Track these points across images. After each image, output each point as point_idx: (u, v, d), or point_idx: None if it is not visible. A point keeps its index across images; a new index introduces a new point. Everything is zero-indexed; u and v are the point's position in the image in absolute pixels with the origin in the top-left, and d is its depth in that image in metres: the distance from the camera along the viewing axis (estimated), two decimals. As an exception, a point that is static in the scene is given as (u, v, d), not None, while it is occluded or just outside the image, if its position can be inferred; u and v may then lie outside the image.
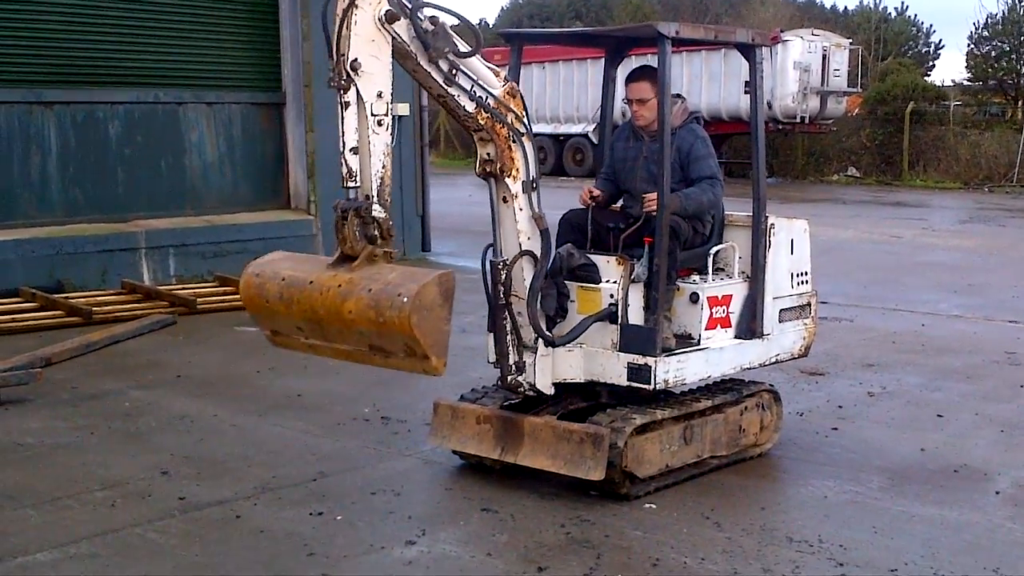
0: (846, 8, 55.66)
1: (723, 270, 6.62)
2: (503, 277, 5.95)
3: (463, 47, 5.51)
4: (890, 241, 18.03)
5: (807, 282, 6.99)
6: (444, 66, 5.46)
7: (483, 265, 6.10)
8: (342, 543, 5.44)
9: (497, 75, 5.77)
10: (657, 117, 6.21)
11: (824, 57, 30.08)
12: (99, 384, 8.46)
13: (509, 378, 6.12)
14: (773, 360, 6.85)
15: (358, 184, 5.12)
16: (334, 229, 5.15)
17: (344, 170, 5.12)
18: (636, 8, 47.27)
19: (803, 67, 29.42)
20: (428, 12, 5.34)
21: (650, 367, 6.02)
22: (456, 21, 5.60)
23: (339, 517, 5.78)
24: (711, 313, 6.40)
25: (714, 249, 6.50)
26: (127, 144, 12.84)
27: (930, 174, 31.75)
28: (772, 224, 6.65)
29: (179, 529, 5.63)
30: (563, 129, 33.53)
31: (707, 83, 30.45)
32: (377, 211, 5.09)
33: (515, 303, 6.00)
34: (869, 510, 6.00)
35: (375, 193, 5.11)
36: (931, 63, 46.62)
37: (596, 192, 6.58)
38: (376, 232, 5.09)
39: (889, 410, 7.98)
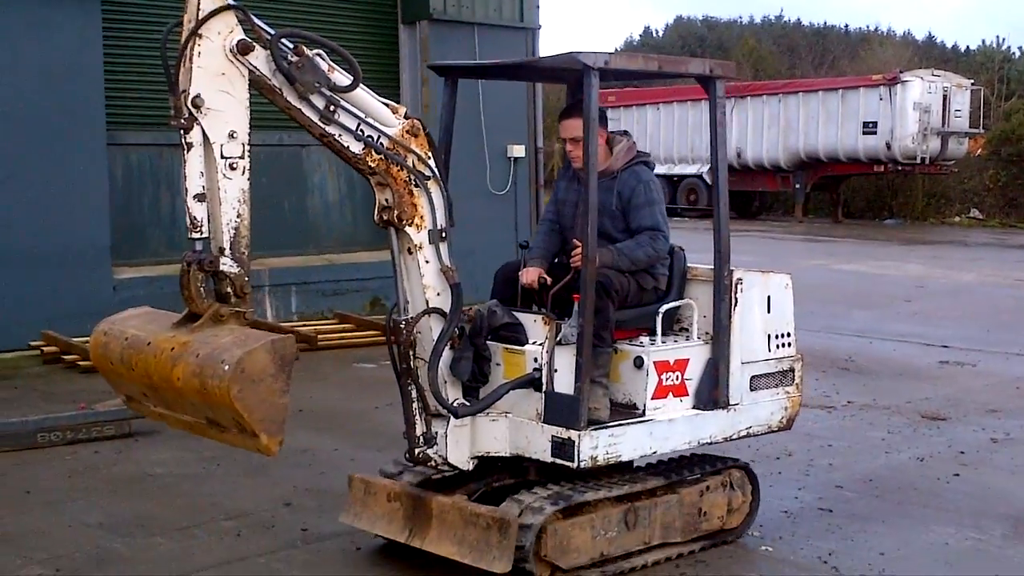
0: (968, 48, 54.72)
1: (686, 330, 5.89)
2: (405, 337, 5.30)
3: (342, 80, 4.87)
4: (1014, 285, 17.62)
5: (789, 344, 6.12)
6: (319, 102, 4.83)
7: (387, 324, 5.46)
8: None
9: (395, 111, 5.13)
10: (583, 158, 5.39)
11: (945, 98, 29.61)
12: (224, 417, 8.70)
13: (417, 451, 5.44)
14: (743, 433, 5.96)
15: (205, 235, 4.53)
16: (180, 285, 4.55)
17: (188, 219, 4.53)
18: (751, 50, 47.02)
19: (923, 108, 28.99)
20: (293, 42, 4.78)
21: (574, 442, 5.25)
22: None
23: (457, 552, 5.86)
24: (660, 380, 5.60)
25: (663, 307, 5.72)
26: (252, 185, 13.19)
27: (1056, 216, 31.00)
28: (739, 279, 5.84)
29: (302, 559, 5.79)
30: (677, 170, 33.48)
31: (824, 123, 30.21)
32: (227, 265, 4.53)
33: (421, 367, 5.35)
34: (992, 558, 5.91)
35: (228, 245, 4.54)
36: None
37: (541, 274, 5.78)
38: (229, 289, 4.53)
39: (1013, 457, 7.82)
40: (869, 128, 29.43)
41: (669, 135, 33.46)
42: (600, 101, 5.39)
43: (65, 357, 10.62)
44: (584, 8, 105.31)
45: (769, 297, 6.04)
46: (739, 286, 5.85)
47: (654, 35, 69.59)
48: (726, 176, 5.89)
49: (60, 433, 7.87)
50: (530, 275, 5.75)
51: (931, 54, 53.55)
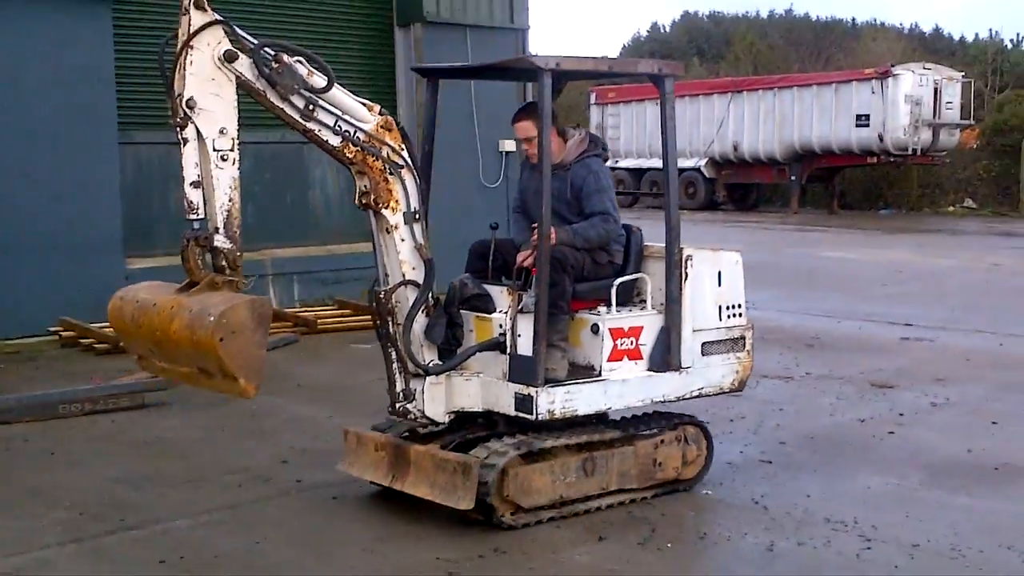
0: (976, 36, 55.20)
1: (644, 302, 6.59)
2: (384, 305, 6.12)
3: (319, 82, 5.62)
4: (989, 269, 18.34)
5: (740, 315, 6.84)
6: (299, 102, 5.58)
7: (369, 295, 6.30)
8: (435, 518, 6.29)
9: (371, 109, 5.90)
10: (537, 151, 6.22)
11: (936, 90, 30.26)
12: (229, 391, 9.48)
13: (397, 405, 6.28)
14: (695, 394, 6.69)
15: (200, 216, 5.31)
16: (181, 258, 5.36)
17: (184, 203, 5.30)
18: (751, 45, 47.70)
19: (914, 100, 29.65)
20: (274, 50, 5.53)
21: (533, 397, 6.03)
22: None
23: (431, 497, 6.64)
24: (615, 345, 6.35)
25: (618, 281, 6.45)
26: (256, 180, 13.96)
27: (1047, 205, 31.58)
28: (689, 256, 6.56)
29: (295, 505, 6.58)
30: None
31: (818, 117, 30.90)
32: (220, 242, 5.32)
33: (399, 332, 6.14)
34: (906, 499, 6.66)
35: (221, 225, 5.32)
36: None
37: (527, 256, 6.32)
38: (224, 262, 5.33)
39: (947, 418, 8.57)
40: (862, 121, 30.10)
41: (668, 130, 34.07)
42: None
43: (82, 341, 11.42)
44: (592, 5, 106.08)
45: (720, 272, 6.76)
46: (689, 262, 6.57)
47: (662, 31, 70.37)
48: (675, 165, 6.61)
49: (79, 404, 8.66)
50: (525, 257, 6.34)
51: (937, 46, 54.12)
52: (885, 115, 29.64)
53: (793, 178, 32.22)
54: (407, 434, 6.54)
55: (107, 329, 11.42)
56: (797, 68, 44.88)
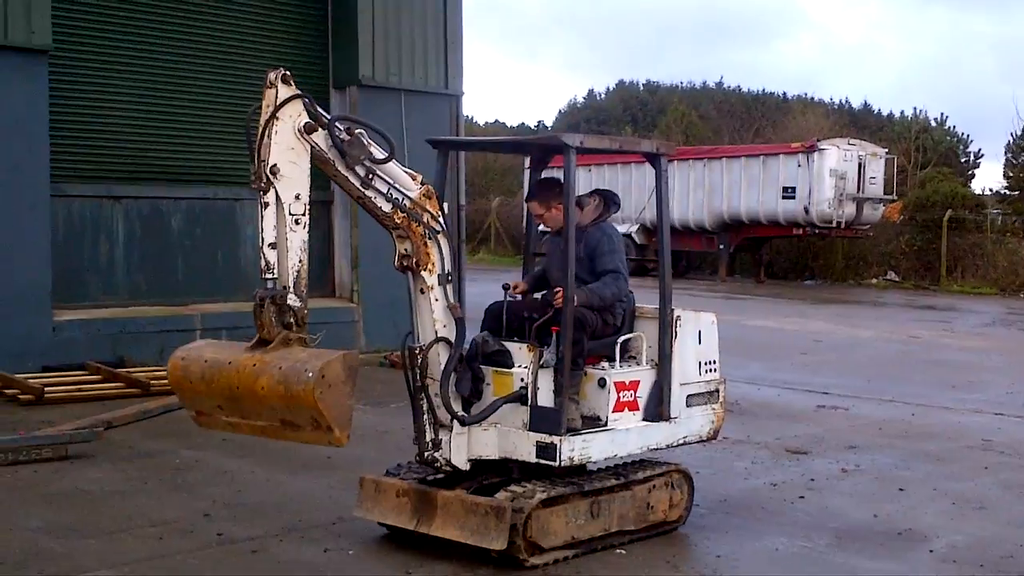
0: (891, 113, 56.60)
1: (634, 358, 7.13)
2: (419, 361, 6.50)
3: (379, 154, 6.14)
4: (906, 341, 18.82)
5: (715, 370, 7.48)
6: (361, 171, 6.07)
7: (402, 351, 6.63)
8: (351, 573, 6.41)
9: (414, 179, 6.39)
10: (563, 219, 6.75)
11: (860, 165, 31.06)
12: (153, 444, 9.53)
13: (426, 454, 6.64)
14: (681, 442, 7.32)
15: (275, 276, 5.64)
16: (253, 315, 5.67)
17: (262, 263, 5.63)
18: (682, 116, 48.63)
19: (839, 174, 30.39)
20: (345, 124, 6.05)
21: (556, 445, 6.52)
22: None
23: (351, 552, 6.76)
24: (618, 397, 6.90)
25: (621, 338, 7.02)
26: (187, 236, 14.11)
27: (967, 280, 32.36)
28: (678, 316, 7.18)
29: (216, 558, 6.64)
30: (608, 229, 34.57)
31: (746, 188, 31.56)
32: (292, 300, 5.64)
33: (431, 385, 6.53)
34: (812, 561, 6.89)
35: (291, 284, 5.65)
36: (971, 172, 47.38)
37: (519, 285, 7.31)
38: (292, 319, 5.63)
39: (856, 484, 8.84)
40: (788, 193, 30.79)
41: (600, 196, 34.59)
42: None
43: (6, 391, 11.37)
44: (529, 70, 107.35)
45: (700, 331, 7.40)
46: (678, 322, 7.19)
47: (598, 98, 71.30)
48: (668, 234, 7.39)
49: (2, 454, 8.65)
50: (519, 286, 7.27)
51: (865, 122, 55.35)
52: (810, 188, 30.34)
53: (722, 247, 32.81)
54: (423, 480, 6.92)
55: (32, 380, 11.43)
56: (728, 140, 45.82)
